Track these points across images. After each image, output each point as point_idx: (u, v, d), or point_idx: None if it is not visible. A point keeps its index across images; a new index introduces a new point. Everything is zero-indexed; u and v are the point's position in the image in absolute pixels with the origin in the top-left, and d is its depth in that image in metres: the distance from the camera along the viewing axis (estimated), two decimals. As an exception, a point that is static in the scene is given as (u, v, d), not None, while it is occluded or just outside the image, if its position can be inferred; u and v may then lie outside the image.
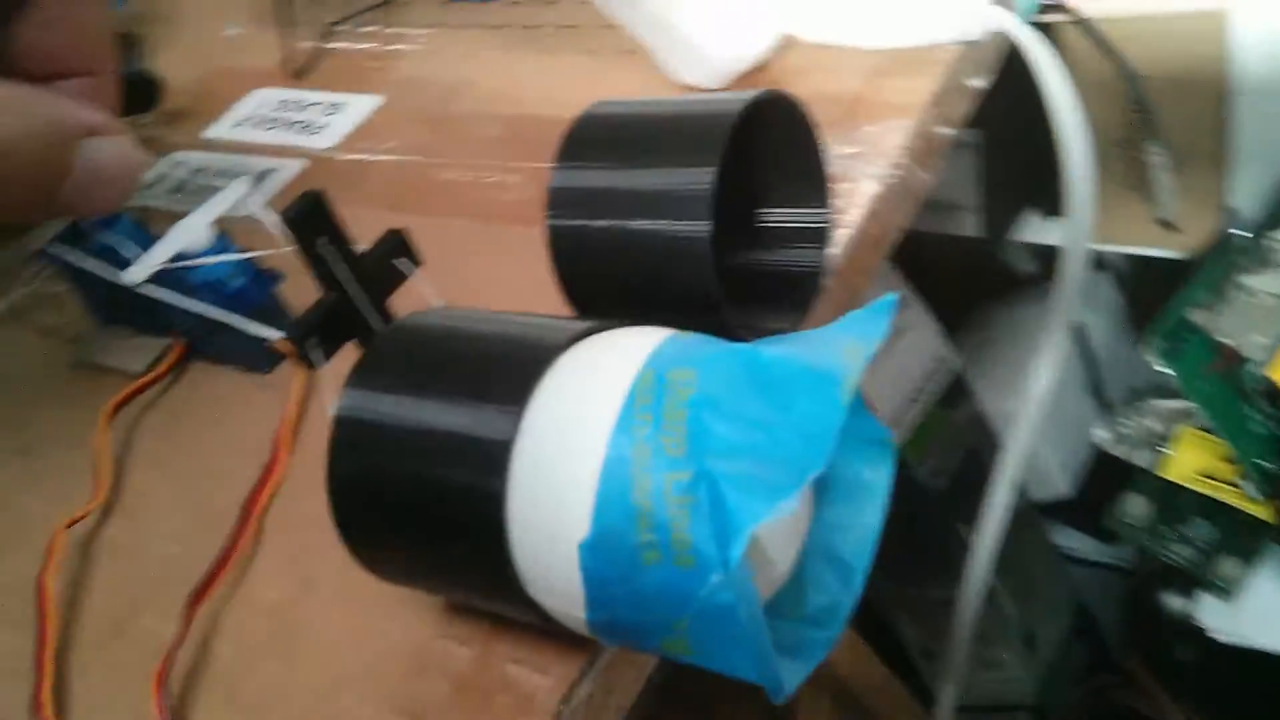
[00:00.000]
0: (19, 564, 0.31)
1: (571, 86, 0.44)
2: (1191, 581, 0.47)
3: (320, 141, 0.46)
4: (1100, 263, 0.58)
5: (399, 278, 0.29)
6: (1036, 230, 0.53)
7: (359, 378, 0.24)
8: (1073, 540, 0.64)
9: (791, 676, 0.21)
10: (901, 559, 0.55)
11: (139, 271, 0.34)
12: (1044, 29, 0.42)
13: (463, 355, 0.24)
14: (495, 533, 0.21)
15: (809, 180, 0.29)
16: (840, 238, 0.32)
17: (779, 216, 0.29)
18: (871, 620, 0.60)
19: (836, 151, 0.34)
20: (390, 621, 0.28)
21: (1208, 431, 0.44)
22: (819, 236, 0.29)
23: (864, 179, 0.34)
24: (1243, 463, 0.43)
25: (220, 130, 0.49)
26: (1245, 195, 0.45)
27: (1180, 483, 0.45)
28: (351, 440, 0.24)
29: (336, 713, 0.27)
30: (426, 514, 0.23)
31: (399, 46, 0.51)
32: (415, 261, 0.29)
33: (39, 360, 0.40)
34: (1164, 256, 0.48)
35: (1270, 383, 0.41)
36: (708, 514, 0.19)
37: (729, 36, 0.39)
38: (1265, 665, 0.44)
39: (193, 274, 0.34)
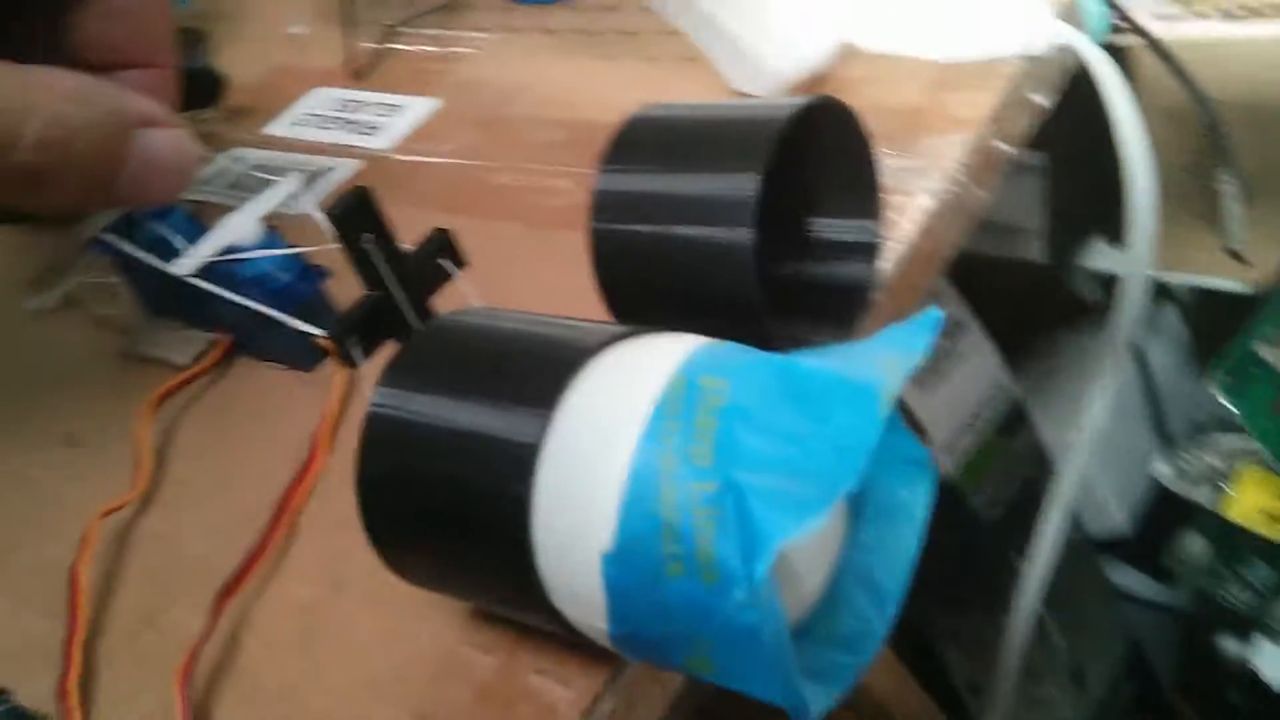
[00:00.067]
0: (57, 551, 0.31)
1: (630, 93, 0.44)
2: (1248, 625, 0.45)
3: (377, 142, 0.46)
4: (1166, 293, 0.57)
5: (443, 278, 0.29)
6: (1102, 256, 0.52)
7: (392, 375, 0.24)
8: (1128, 578, 0.62)
9: (818, 701, 0.21)
10: (952, 588, 0.54)
11: (187, 263, 0.34)
12: (1115, 51, 0.41)
13: (494, 356, 0.23)
14: (519, 537, 0.21)
15: (861, 192, 0.28)
16: (892, 252, 0.32)
17: (828, 227, 0.29)
18: (917, 650, 0.59)
19: (892, 164, 0.34)
20: (417, 626, 0.27)
21: (1271, 470, 0.43)
22: (869, 250, 0.29)
23: (919, 193, 0.33)
24: (1306, 504, 0.42)
25: (280, 128, 0.50)
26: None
27: (1240, 523, 0.44)
28: (381, 438, 0.24)
29: (358, 715, 0.26)
30: (452, 514, 0.22)
31: (459, 49, 0.51)
32: (459, 263, 0.29)
33: (89, 350, 0.41)
34: (1231, 290, 0.47)
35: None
36: (734, 527, 0.18)
37: (788, 45, 0.38)
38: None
39: (241, 268, 0.34)
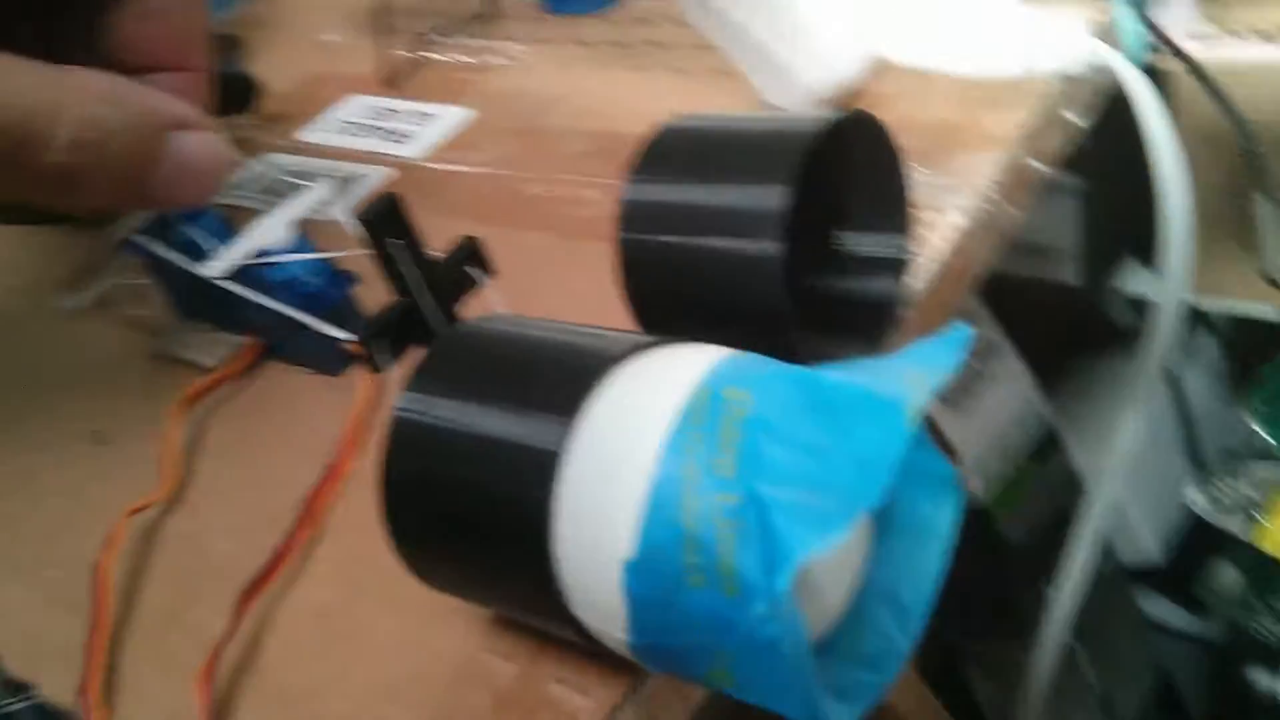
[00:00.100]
0: (84, 550, 0.31)
1: (663, 105, 0.43)
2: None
3: (410, 150, 0.46)
4: (1203, 320, 0.56)
5: (470, 285, 0.29)
6: (1137, 280, 0.51)
7: (417, 380, 0.24)
8: (1160, 607, 0.61)
9: (840, 718, 0.20)
10: (982, 614, 0.53)
11: (218, 266, 0.34)
12: (1152, 72, 0.40)
13: (519, 362, 0.23)
14: (540, 544, 0.21)
15: (891, 207, 0.28)
16: (922, 269, 0.31)
17: (858, 242, 0.29)
18: (942, 671, 0.58)
19: (924, 180, 0.33)
20: (437, 631, 0.27)
21: (1307, 501, 0.42)
22: (898, 265, 0.28)
23: (950, 210, 0.33)
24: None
25: (314, 134, 0.50)
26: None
27: (1274, 554, 0.43)
28: (406, 442, 0.23)
29: (377, 718, 0.26)
30: (474, 519, 0.22)
31: (493, 59, 0.52)
32: (487, 270, 0.29)
33: (120, 351, 0.41)
34: (1268, 318, 0.46)
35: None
36: (756, 540, 0.18)
37: (822, 59, 0.38)
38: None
39: (271, 272, 0.34)
